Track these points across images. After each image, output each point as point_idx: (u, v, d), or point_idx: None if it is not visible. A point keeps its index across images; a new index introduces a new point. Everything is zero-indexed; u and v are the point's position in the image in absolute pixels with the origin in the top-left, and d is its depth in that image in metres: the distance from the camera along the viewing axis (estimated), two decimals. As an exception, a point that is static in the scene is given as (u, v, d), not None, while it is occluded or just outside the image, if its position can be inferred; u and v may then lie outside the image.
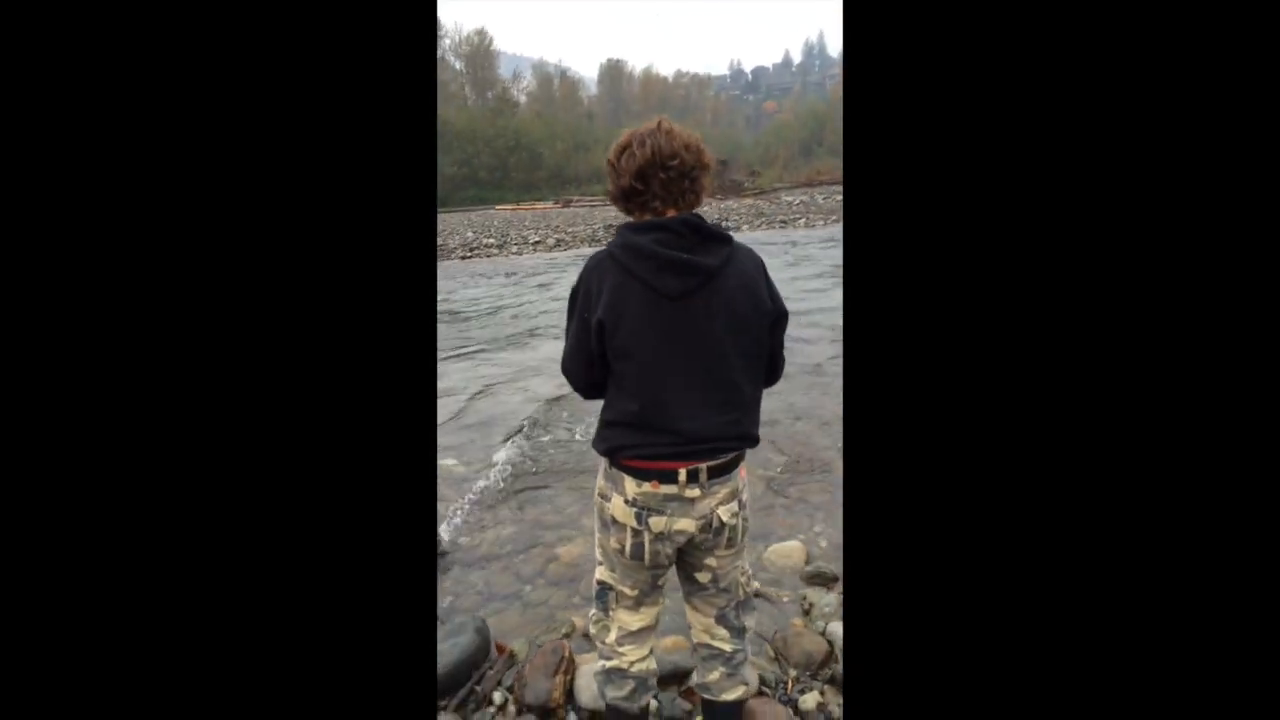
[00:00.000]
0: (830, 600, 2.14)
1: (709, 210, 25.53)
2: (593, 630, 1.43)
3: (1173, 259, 0.69)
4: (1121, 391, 0.70)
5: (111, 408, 0.69)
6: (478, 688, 1.83)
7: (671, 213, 1.22)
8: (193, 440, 0.71)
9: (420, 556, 0.82)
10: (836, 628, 1.98)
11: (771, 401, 4.32)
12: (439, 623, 2.09)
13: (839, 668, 1.84)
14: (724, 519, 1.26)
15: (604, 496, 1.29)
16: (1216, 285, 0.68)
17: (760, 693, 1.77)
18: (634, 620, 1.37)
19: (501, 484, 3.33)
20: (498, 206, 39.86)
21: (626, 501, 1.24)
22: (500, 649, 2.00)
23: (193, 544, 0.71)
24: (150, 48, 0.70)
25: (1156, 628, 0.67)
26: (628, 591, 1.34)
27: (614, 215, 26.62)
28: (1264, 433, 0.66)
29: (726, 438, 1.23)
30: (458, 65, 77.33)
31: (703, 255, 1.18)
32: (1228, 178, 0.68)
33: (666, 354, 1.20)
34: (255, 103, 0.73)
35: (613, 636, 1.38)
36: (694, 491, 1.22)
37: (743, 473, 1.30)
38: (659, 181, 1.20)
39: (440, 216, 39.52)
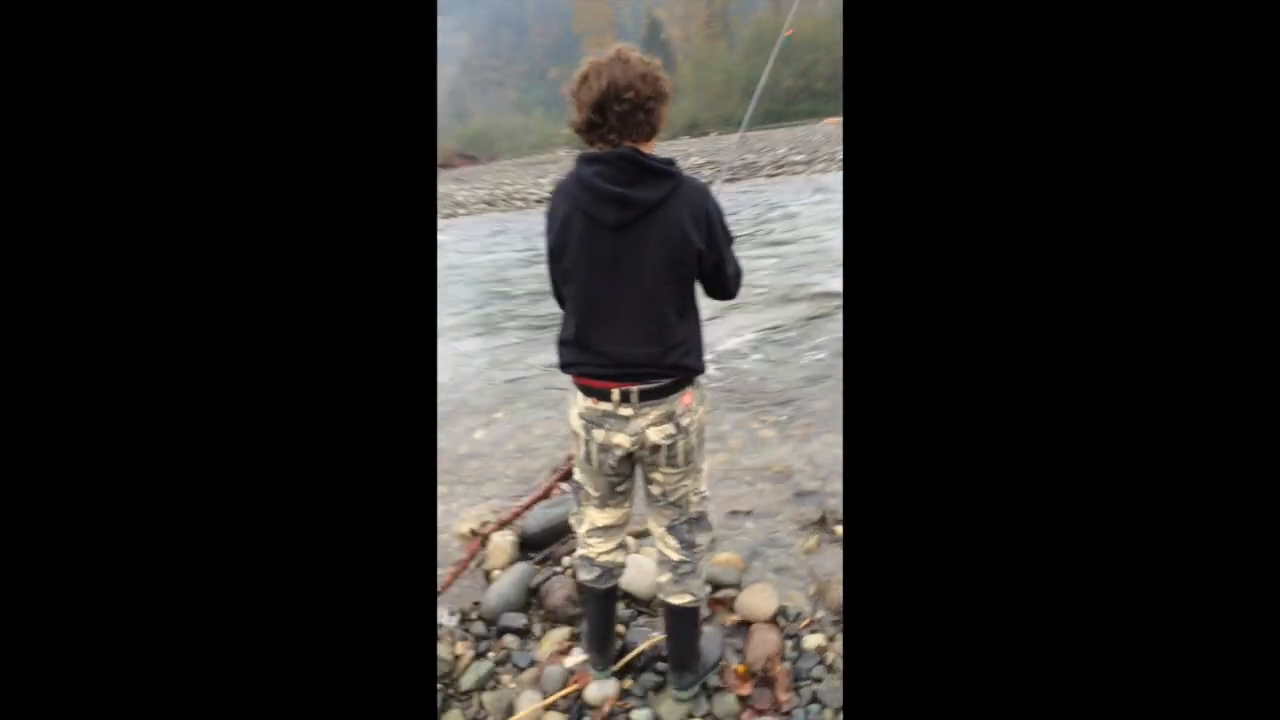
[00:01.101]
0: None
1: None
2: (572, 520, 1.64)
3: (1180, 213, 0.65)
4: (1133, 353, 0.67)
5: (89, 361, 0.66)
6: (558, 550, 2.21)
7: (628, 144, 1.27)
8: (179, 420, 0.68)
9: (420, 546, 0.78)
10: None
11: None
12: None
13: (866, 621, 1.77)
14: (654, 439, 1.35)
15: (570, 407, 1.47)
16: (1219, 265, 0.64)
17: (774, 620, 1.81)
18: (600, 518, 1.54)
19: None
20: (826, 121, 38.11)
21: (579, 413, 1.41)
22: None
23: (181, 522, 0.68)
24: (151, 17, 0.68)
25: (1158, 608, 0.65)
26: (592, 492, 1.52)
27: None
28: (1264, 433, 0.63)
29: (655, 365, 1.31)
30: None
31: (642, 190, 1.24)
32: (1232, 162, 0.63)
33: (603, 281, 1.30)
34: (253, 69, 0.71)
35: (584, 529, 1.58)
36: (626, 410, 1.33)
37: (686, 399, 1.36)
38: (614, 114, 1.24)
39: (768, 132, 39.25)
